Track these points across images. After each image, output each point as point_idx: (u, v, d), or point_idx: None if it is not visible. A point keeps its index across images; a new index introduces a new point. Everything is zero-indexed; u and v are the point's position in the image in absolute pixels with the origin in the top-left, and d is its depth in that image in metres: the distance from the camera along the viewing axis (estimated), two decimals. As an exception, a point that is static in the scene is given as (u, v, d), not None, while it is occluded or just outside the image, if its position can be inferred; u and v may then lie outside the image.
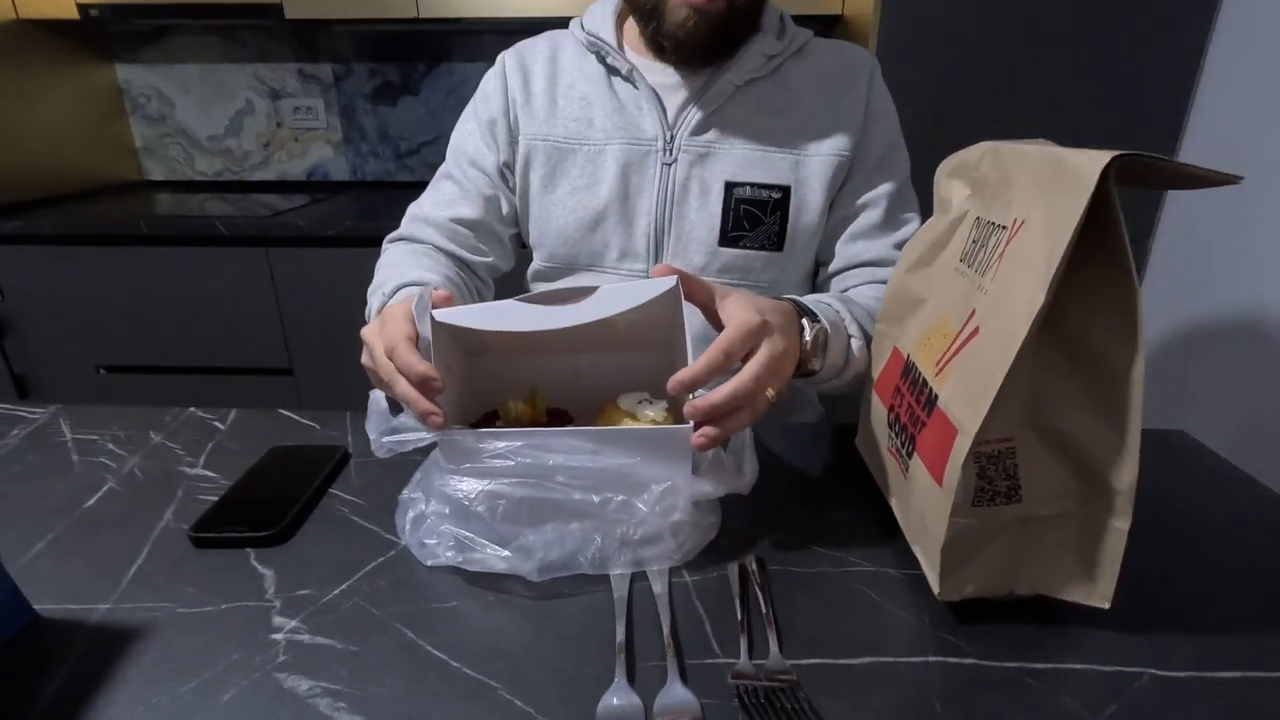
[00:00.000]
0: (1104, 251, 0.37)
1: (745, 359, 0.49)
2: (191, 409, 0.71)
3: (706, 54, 0.70)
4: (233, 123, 2.00)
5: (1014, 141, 0.46)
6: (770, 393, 0.49)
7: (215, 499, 0.55)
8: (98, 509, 0.55)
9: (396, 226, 0.83)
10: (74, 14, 1.63)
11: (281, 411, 0.70)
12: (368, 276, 1.52)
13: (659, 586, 0.46)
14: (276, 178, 2.06)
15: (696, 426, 0.47)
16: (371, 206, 1.70)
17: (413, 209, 0.82)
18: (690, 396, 0.48)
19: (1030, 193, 0.41)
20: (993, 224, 0.45)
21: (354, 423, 0.69)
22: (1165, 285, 1.44)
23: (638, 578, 0.47)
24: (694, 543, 0.49)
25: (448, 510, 0.46)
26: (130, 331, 1.62)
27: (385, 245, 0.81)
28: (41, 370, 1.67)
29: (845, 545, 0.51)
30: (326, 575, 0.47)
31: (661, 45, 0.71)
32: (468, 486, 0.44)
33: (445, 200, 0.80)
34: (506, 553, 0.45)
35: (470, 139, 0.80)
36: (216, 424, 0.68)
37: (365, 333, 0.52)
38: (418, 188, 0.86)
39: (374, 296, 0.71)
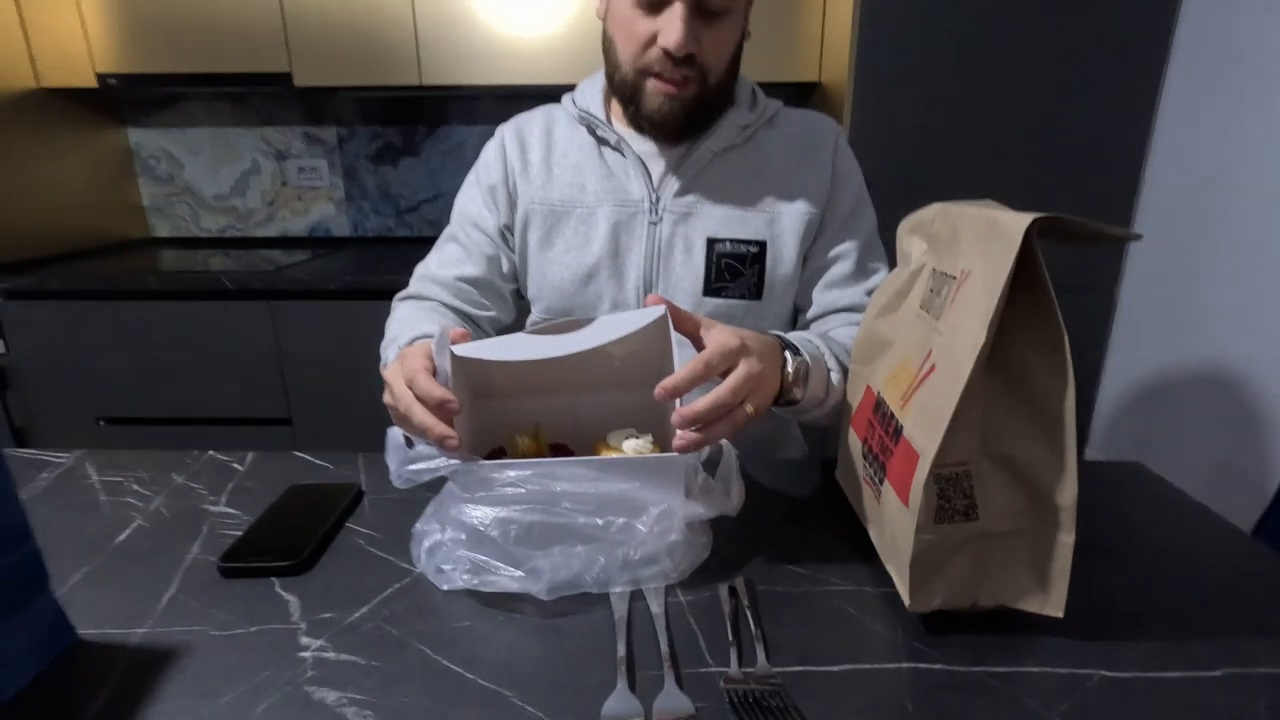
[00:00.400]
0: (1035, 298, 0.43)
1: (725, 376, 0.55)
2: (211, 452, 0.75)
3: (681, 132, 0.78)
4: (239, 182, 2.08)
5: (961, 203, 0.53)
6: (749, 408, 0.55)
7: (239, 533, 0.59)
8: (128, 544, 0.58)
9: (396, 280, 0.89)
10: (93, 83, 1.73)
11: (297, 453, 0.74)
12: (367, 328, 1.59)
13: (656, 605, 0.50)
14: (279, 234, 2.14)
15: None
16: (372, 261, 1.76)
17: (420, 269, 0.88)
18: (676, 405, 0.53)
19: (973, 247, 0.47)
20: (945, 274, 0.51)
21: (366, 462, 0.73)
22: (1131, 333, 1.52)
23: (636, 597, 0.51)
24: (689, 562, 0.53)
25: (464, 536, 0.50)
26: (131, 384, 1.66)
27: (395, 303, 0.87)
28: (41, 422, 1.69)
29: (826, 567, 0.55)
30: (347, 600, 0.51)
31: (641, 125, 0.78)
32: (482, 513, 0.49)
33: (451, 260, 0.86)
34: (520, 573, 0.49)
35: (472, 204, 0.87)
36: (235, 465, 0.72)
37: (387, 373, 0.57)
38: (416, 243, 0.93)
39: (389, 349, 0.77)
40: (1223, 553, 0.58)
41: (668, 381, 0.52)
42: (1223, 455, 1.27)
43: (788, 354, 0.64)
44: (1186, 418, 1.36)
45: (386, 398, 0.56)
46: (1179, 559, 0.57)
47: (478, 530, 0.49)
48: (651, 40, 0.71)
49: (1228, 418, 1.26)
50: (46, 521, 0.61)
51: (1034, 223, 0.40)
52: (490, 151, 0.87)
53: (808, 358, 0.65)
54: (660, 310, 0.56)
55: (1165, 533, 0.61)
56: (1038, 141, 1.44)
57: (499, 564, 0.49)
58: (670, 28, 0.68)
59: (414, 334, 0.74)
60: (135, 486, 0.68)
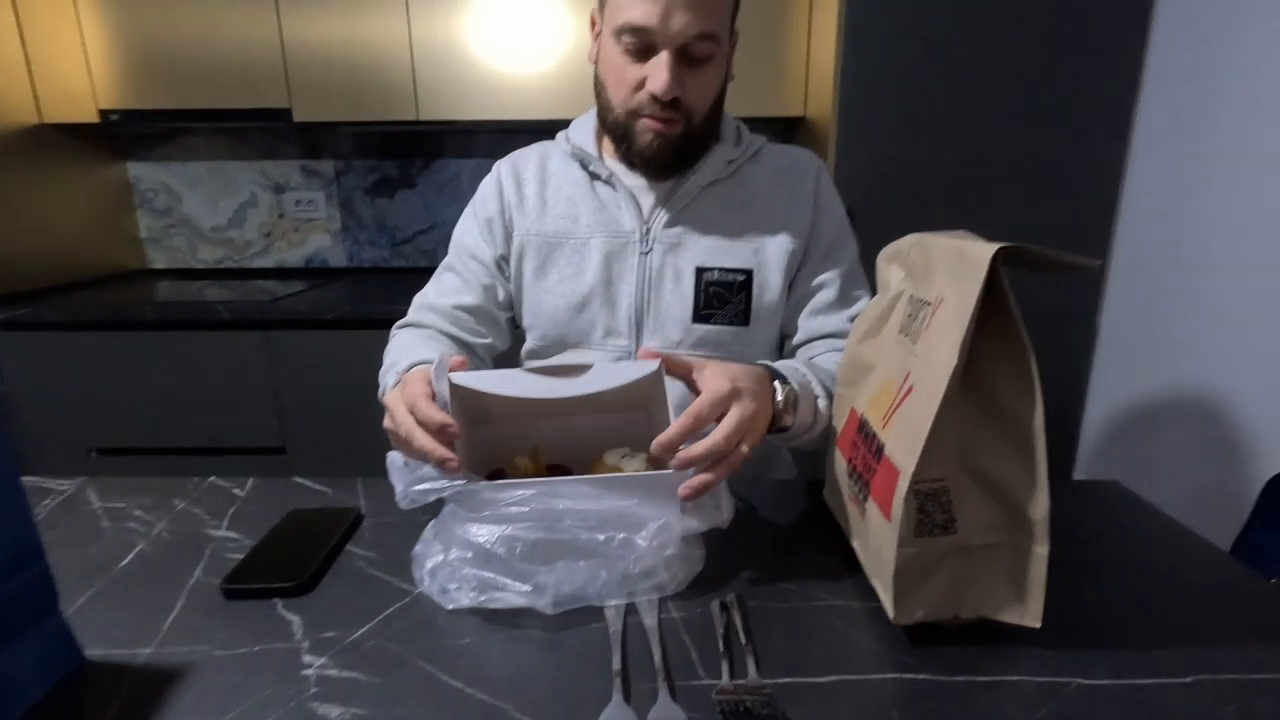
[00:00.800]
0: (1003, 322, 0.46)
1: (720, 420, 0.57)
2: (212, 478, 0.76)
3: (669, 167, 0.82)
4: (236, 214, 2.12)
5: (936, 233, 0.56)
6: (744, 449, 0.57)
7: (241, 556, 0.60)
8: (132, 567, 0.60)
9: (391, 310, 0.92)
10: (94, 118, 1.77)
11: (297, 479, 0.76)
12: (362, 357, 1.62)
13: (650, 620, 0.52)
14: (275, 265, 2.16)
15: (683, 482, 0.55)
16: (367, 291, 1.79)
17: (418, 299, 0.90)
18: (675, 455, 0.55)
19: (945, 275, 0.50)
20: (922, 301, 0.54)
21: (365, 487, 0.74)
22: (1113, 358, 1.55)
23: (630, 613, 0.53)
24: (684, 574, 0.55)
25: (470, 555, 0.52)
26: (124, 415, 1.66)
27: (394, 331, 0.89)
28: (33, 453, 1.69)
29: (814, 584, 0.57)
30: (349, 619, 0.52)
31: (632, 162, 0.82)
32: (488, 532, 0.51)
33: (448, 290, 0.89)
34: (526, 588, 0.51)
35: (470, 236, 0.90)
36: (236, 491, 0.74)
37: (387, 399, 0.59)
38: (411, 273, 0.96)
39: (389, 375, 0.78)
40: (1195, 566, 0.60)
41: (662, 438, 0.54)
42: (1203, 476, 1.30)
43: (777, 384, 0.67)
44: (1169, 440, 1.39)
45: (387, 423, 0.58)
46: (1152, 572, 0.59)
47: (484, 548, 0.51)
48: (640, 85, 0.75)
49: (1208, 440, 1.29)
50: (50, 547, 0.62)
51: (999, 252, 0.43)
52: (487, 186, 0.90)
53: (796, 386, 0.67)
54: (655, 364, 0.59)
55: (1140, 547, 0.63)
56: (1016, 174, 1.50)
57: (506, 580, 0.51)
58: (657, 74, 0.73)
59: (413, 360, 0.76)
60: (137, 512, 0.69)
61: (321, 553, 0.60)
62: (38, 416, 1.66)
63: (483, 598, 0.52)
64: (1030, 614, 0.48)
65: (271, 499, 0.72)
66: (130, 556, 0.61)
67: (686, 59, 0.74)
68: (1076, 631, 0.50)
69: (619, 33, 0.73)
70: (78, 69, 1.73)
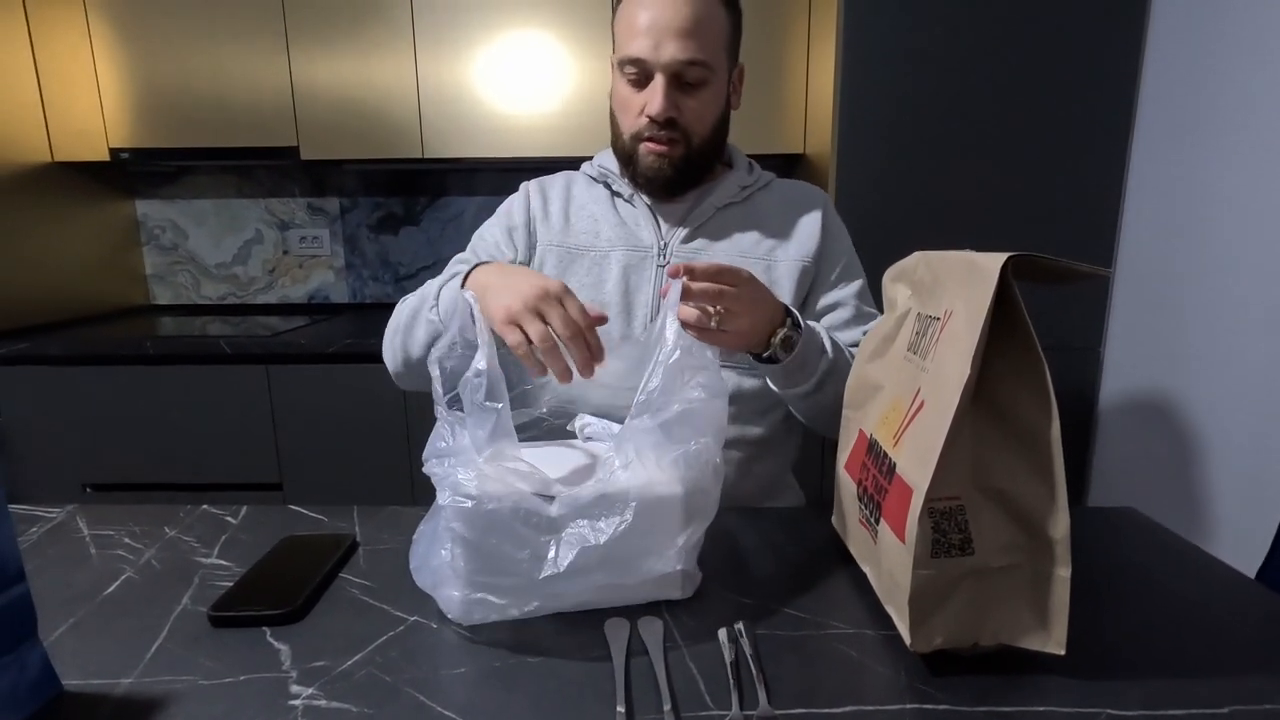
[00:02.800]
0: (1015, 334, 0.45)
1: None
2: (205, 506, 0.74)
3: (671, 187, 0.85)
4: (241, 251, 2.13)
5: (939, 251, 0.56)
6: (714, 321, 0.64)
7: (231, 584, 0.58)
8: (117, 595, 0.57)
9: None
10: (105, 156, 1.79)
11: (291, 506, 0.74)
12: (362, 391, 1.60)
13: (655, 649, 0.49)
14: (278, 301, 2.17)
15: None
16: (369, 326, 1.79)
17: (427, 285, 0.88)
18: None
19: (954, 289, 0.49)
20: (929, 316, 0.53)
21: (361, 515, 0.72)
22: (1120, 386, 1.54)
23: (636, 651, 0.50)
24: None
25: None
26: (120, 451, 1.64)
27: (400, 304, 0.85)
28: (27, 489, 1.66)
29: (826, 610, 0.55)
30: (340, 648, 0.50)
31: (639, 183, 0.86)
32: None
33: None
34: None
35: (491, 236, 0.91)
36: (229, 519, 0.72)
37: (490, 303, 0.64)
38: None
39: (440, 290, 0.79)
40: (1220, 593, 0.58)
41: (684, 264, 0.63)
42: (1220, 501, 1.27)
43: (788, 323, 0.72)
44: (1182, 466, 1.36)
45: (527, 316, 0.62)
46: (1176, 599, 0.57)
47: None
48: (642, 110, 0.81)
49: (1222, 464, 1.27)
50: (35, 574, 0.60)
51: (1009, 260, 0.42)
52: (515, 200, 0.93)
53: (802, 334, 0.73)
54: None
55: (1161, 573, 0.61)
56: (1014, 206, 1.51)
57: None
58: (654, 98, 0.79)
59: (470, 264, 0.76)
60: (126, 540, 0.67)
61: (314, 580, 0.58)
62: (32, 451, 1.64)
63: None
64: (1054, 640, 0.46)
65: (265, 527, 0.70)
66: (116, 584, 0.59)
67: (680, 84, 0.79)
68: (1103, 660, 0.48)
69: (622, 65, 0.80)
70: (91, 108, 1.77)
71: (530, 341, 0.62)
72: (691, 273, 0.64)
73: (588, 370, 0.62)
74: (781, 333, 0.72)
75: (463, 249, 0.94)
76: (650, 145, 0.81)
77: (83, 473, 1.66)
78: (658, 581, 0.54)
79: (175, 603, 0.56)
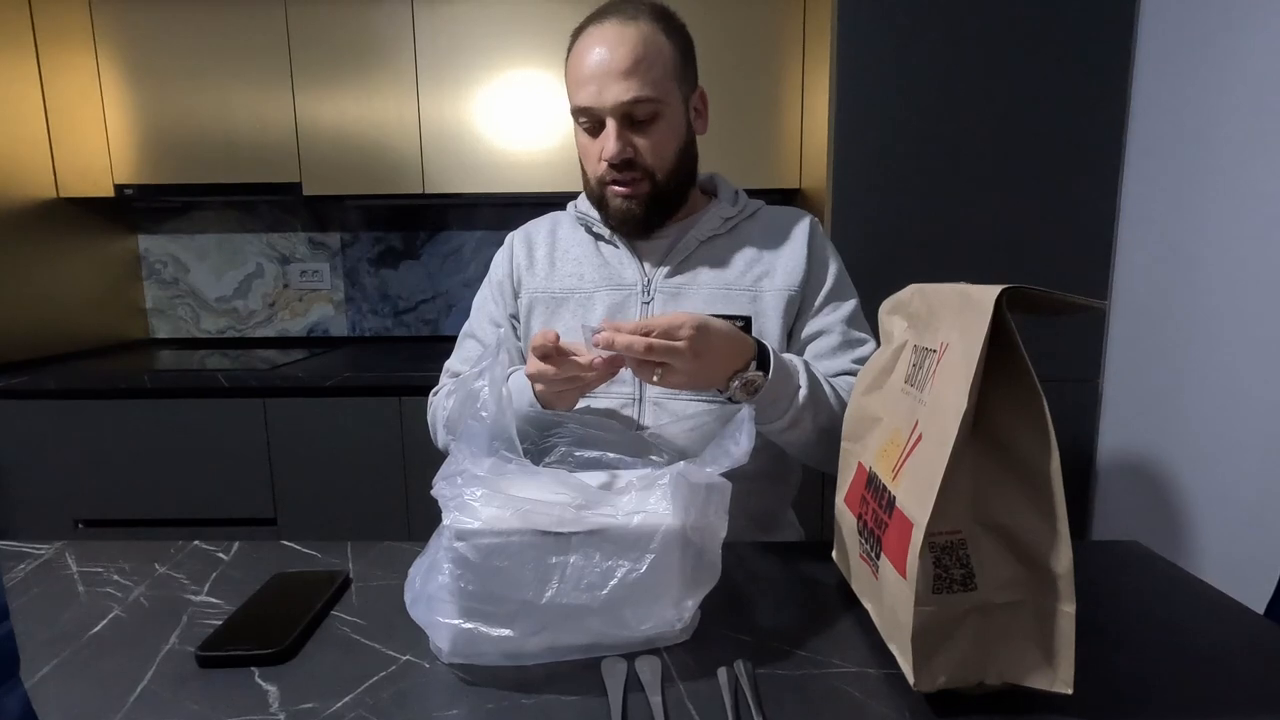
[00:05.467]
0: (1012, 366, 0.45)
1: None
2: (196, 542, 0.73)
3: (644, 225, 0.86)
4: (241, 285, 2.14)
5: (934, 284, 0.56)
6: (655, 378, 0.66)
7: (220, 623, 0.57)
8: (103, 635, 0.56)
9: (389, 376, 0.94)
10: (110, 192, 1.82)
11: (284, 542, 0.73)
12: (359, 424, 1.61)
13: (654, 692, 0.48)
14: (277, 334, 2.17)
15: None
16: (367, 359, 1.79)
17: (447, 366, 0.96)
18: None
19: (950, 321, 0.49)
20: (926, 349, 0.53)
21: (355, 551, 0.71)
22: (1119, 420, 1.53)
23: (633, 687, 0.49)
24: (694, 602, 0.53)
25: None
26: (115, 485, 1.63)
27: (431, 399, 0.93)
28: (16, 525, 1.64)
29: (828, 649, 0.54)
30: (330, 690, 0.49)
31: (613, 226, 0.87)
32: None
33: (471, 356, 0.93)
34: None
35: (487, 302, 0.95)
36: (220, 555, 0.71)
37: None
38: (412, 341, 0.98)
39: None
40: (1228, 629, 0.57)
41: (612, 324, 0.65)
42: (1225, 534, 1.25)
43: (752, 366, 0.71)
44: (1185, 499, 1.35)
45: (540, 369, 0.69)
46: (1184, 635, 0.56)
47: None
48: (600, 156, 0.81)
49: (1226, 496, 1.26)
50: (20, 614, 0.59)
51: (1003, 292, 0.43)
52: (500, 253, 0.96)
53: (769, 377, 0.71)
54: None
55: (1168, 610, 0.60)
56: (1008, 239, 1.52)
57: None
58: (607, 143, 0.80)
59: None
60: (115, 577, 0.66)
61: (304, 618, 0.57)
62: (23, 486, 1.62)
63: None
64: (1060, 679, 0.45)
65: (257, 563, 0.69)
66: (103, 623, 0.58)
67: (631, 123, 0.80)
68: (1112, 699, 0.47)
69: (575, 115, 0.82)
70: (97, 146, 1.80)
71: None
72: (611, 345, 0.64)
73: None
74: (744, 376, 0.70)
75: (461, 282, 0.96)
76: (614, 189, 0.82)
77: (75, 508, 1.64)
78: (656, 626, 0.53)
79: (163, 642, 0.55)
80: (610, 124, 0.79)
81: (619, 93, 0.77)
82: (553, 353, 0.68)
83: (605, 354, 0.66)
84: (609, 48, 0.77)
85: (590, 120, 0.81)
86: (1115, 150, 1.50)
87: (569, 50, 0.82)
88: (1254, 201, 1.20)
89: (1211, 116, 1.29)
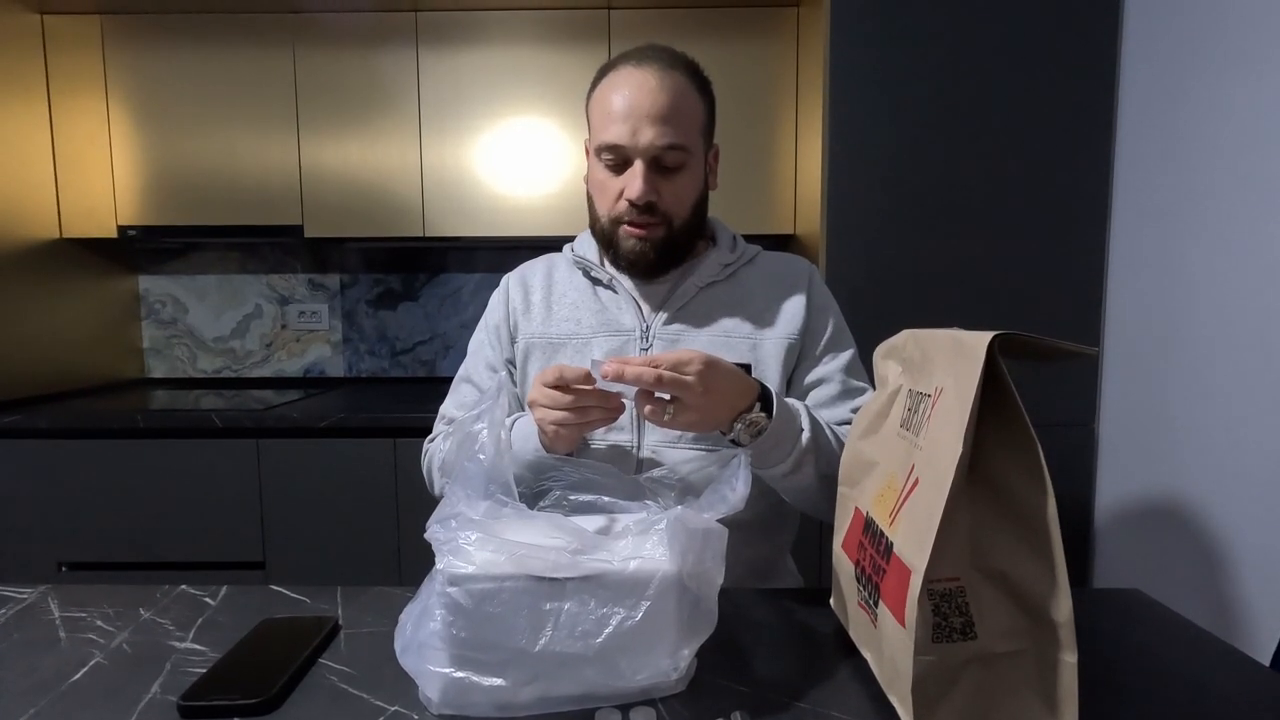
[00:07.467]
0: (1006, 411, 0.45)
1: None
2: (183, 586, 0.72)
3: (653, 269, 0.86)
4: (239, 325, 2.15)
5: (927, 329, 0.57)
6: (667, 416, 0.67)
7: (204, 671, 0.55)
8: (83, 683, 0.55)
9: (383, 418, 0.95)
10: (113, 233, 1.84)
11: (273, 587, 0.72)
12: (353, 466, 1.61)
13: (647, 742, 0.47)
14: (273, 374, 2.17)
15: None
16: (362, 400, 1.78)
17: (441, 411, 0.96)
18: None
19: (944, 366, 0.50)
20: (921, 393, 0.53)
21: (345, 596, 0.70)
22: (1116, 465, 1.53)
23: (626, 736, 0.48)
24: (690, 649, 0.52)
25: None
26: (102, 527, 1.60)
27: (427, 445, 0.94)
28: (3, 567, 1.61)
29: (827, 699, 0.53)
30: (315, 742, 0.47)
31: (620, 265, 0.87)
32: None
33: (467, 401, 0.93)
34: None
35: (483, 347, 0.94)
36: (207, 600, 0.69)
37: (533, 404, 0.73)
38: (408, 383, 0.98)
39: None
40: (1233, 680, 0.56)
41: (619, 358, 0.65)
42: (1227, 582, 1.24)
43: (756, 406, 0.71)
44: (1186, 546, 1.34)
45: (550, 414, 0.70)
46: (1190, 685, 0.55)
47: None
48: (620, 194, 0.82)
49: (1226, 543, 1.25)
50: (-2, 660, 0.58)
51: (995, 337, 0.43)
52: (496, 297, 0.96)
53: (773, 420, 0.70)
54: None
55: (1171, 659, 0.59)
56: (1000, 284, 1.54)
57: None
58: (633, 182, 0.80)
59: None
60: (99, 622, 0.64)
61: (291, 666, 0.55)
62: (6, 527, 1.60)
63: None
64: (1065, 732, 0.44)
65: (244, 608, 0.67)
66: (83, 671, 0.56)
67: (659, 168, 0.81)
68: (1118, 754, 0.46)
69: (599, 151, 0.82)
70: (103, 188, 1.83)
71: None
72: (621, 375, 0.64)
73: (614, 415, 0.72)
74: (748, 418, 0.70)
75: (459, 324, 0.96)
76: (630, 229, 0.82)
77: (60, 550, 1.61)
78: (651, 676, 0.52)
79: (144, 691, 0.53)
80: (638, 165, 0.79)
81: (654, 136, 0.78)
82: (561, 384, 0.68)
83: (615, 386, 0.66)
84: (649, 91, 0.78)
85: (616, 158, 0.81)
86: (1103, 195, 1.53)
87: (596, 84, 0.83)
88: (1243, 241, 1.22)
89: (1197, 159, 1.32)
